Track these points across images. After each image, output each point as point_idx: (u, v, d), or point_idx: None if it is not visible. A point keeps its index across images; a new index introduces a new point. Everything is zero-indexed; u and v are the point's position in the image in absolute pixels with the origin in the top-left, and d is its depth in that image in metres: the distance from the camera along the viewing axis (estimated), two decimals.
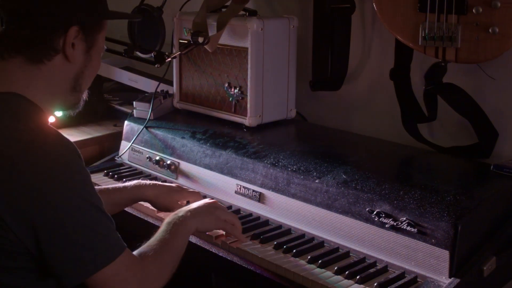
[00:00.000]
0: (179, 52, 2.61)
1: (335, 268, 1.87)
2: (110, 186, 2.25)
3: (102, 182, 2.55)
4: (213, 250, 2.05)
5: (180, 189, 2.29)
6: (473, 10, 2.06)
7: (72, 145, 1.65)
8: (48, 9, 1.69)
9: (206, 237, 2.10)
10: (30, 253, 1.61)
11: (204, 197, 2.36)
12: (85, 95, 1.90)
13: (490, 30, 2.05)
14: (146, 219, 2.28)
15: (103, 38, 1.83)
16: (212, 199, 2.27)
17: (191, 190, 2.33)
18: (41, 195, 1.55)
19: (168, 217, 1.97)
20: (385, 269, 1.88)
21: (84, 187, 1.64)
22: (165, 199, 2.23)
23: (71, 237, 1.60)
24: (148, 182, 2.27)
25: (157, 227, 2.01)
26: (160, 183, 2.31)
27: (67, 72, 1.76)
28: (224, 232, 2.09)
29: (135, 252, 1.78)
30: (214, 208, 2.06)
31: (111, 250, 1.66)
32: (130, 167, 2.73)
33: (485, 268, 1.84)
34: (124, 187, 2.23)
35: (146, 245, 1.84)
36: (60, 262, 1.61)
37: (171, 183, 2.50)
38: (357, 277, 1.82)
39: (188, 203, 2.26)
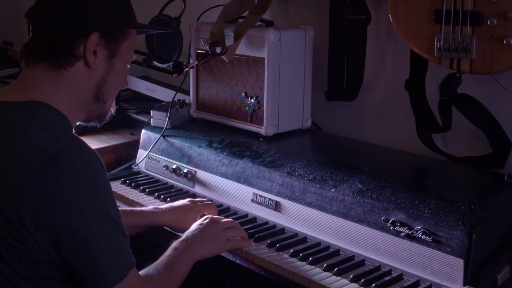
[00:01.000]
0: (197, 62, 2.63)
1: (351, 276, 1.89)
2: (127, 208, 2.25)
3: (119, 190, 2.57)
4: (229, 257, 2.07)
5: (194, 206, 2.27)
6: (488, 22, 2.08)
7: (96, 156, 1.68)
8: (69, 15, 1.73)
9: None
10: (54, 262, 1.63)
11: (220, 205, 2.39)
12: (113, 109, 1.92)
13: (504, 42, 2.07)
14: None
15: (128, 48, 1.85)
16: (228, 208, 2.29)
17: (205, 202, 2.33)
18: (65, 206, 1.58)
19: (175, 242, 1.99)
20: (400, 277, 1.90)
21: (106, 199, 1.67)
22: (183, 221, 2.21)
23: (92, 249, 1.62)
24: (163, 207, 2.26)
25: (177, 236, 2.04)
26: (174, 204, 2.29)
27: (89, 80, 1.79)
28: None
29: (141, 272, 1.80)
30: (220, 231, 2.07)
31: (122, 267, 1.69)
32: (147, 175, 2.75)
33: (499, 276, 1.86)
34: (142, 212, 2.22)
35: (152, 267, 1.87)
36: (82, 272, 1.64)
37: (188, 192, 2.53)
38: (373, 285, 1.83)
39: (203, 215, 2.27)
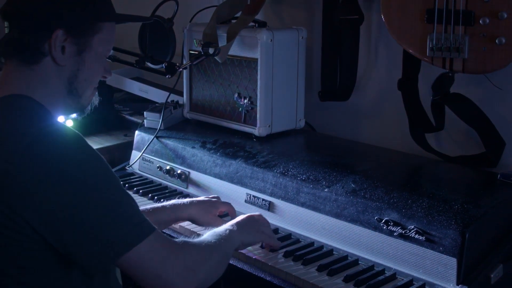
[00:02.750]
0: (190, 63, 2.63)
1: (344, 275, 1.89)
2: (148, 206, 2.19)
3: None
4: None
5: (214, 202, 2.26)
6: (480, 21, 2.08)
7: (79, 135, 1.64)
8: (32, 12, 1.71)
9: None
10: (51, 247, 1.60)
11: None
12: (96, 100, 1.90)
13: (497, 41, 2.07)
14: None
15: (101, 41, 1.81)
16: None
17: (223, 201, 2.32)
18: (55, 186, 1.55)
19: (214, 229, 1.94)
20: (393, 277, 1.90)
21: (98, 169, 1.62)
22: (205, 215, 2.20)
23: (92, 221, 1.58)
24: (184, 201, 2.22)
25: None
26: (195, 199, 2.26)
27: (59, 75, 1.77)
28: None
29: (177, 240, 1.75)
30: (256, 221, 2.06)
31: (137, 229, 1.62)
32: (141, 176, 2.75)
33: (492, 275, 1.86)
34: (163, 207, 2.17)
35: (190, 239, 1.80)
36: (83, 249, 1.60)
37: (181, 193, 2.54)
38: (366, 284, 1.84)
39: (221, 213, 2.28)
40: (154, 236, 1.64)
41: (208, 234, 1.87)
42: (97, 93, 1.91)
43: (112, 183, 1.65)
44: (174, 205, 2.19)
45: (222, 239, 1.87)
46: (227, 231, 1.93)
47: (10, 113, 1.66)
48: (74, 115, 1.93)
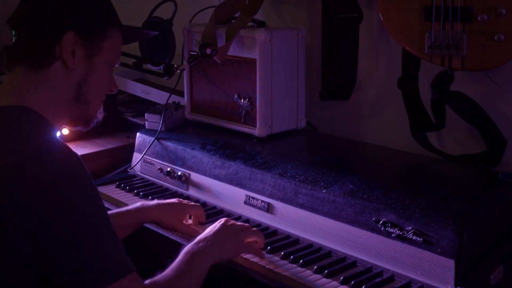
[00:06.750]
0: (187, 64, 2.62)
1: (342, 277, 1.87)
2: (113, 210, 2.21)
3: (113, 193, 2.56)
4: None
5: (181, 205, 2.27)
6: (478, 18, 2.06)
7: (77, 158, 1.63)
8: (43, 15, 1.72)
9: None
10: (34, 267, 1.60)
11: (214, 207, 2.38)
12: (100, 115, 1.89)
13: (495, 38, 2.05)
14: (165, 234, 2.23)
15: (110, 48, 1.82)
16: (221, 210, 2.26)
17: (191, 204, 2.31)
18: (45, 208, 1.54)
19: (186, 246, 1.94)
20: (391, 279, 1.88)
21: (89, 200, 1.62)
22: (170, 218, 2.22)
23: (74, 251, 1.57)
24: (150, 203, 2.26)
25: (178, 244, 2.00)
26: (162, 201, 2.28)
27: (69, 80, 1.76)
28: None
29: (147, 281, 1.74)
30: (235, 232, 2.03)
31: (116, 268, 1.62)
32: (142, 178, 2.74)
33: (492, 277, 1.84)
34: (127, 211, 2.20)
35: (161, 275, 1.81)
36: (64, 276, 1.59)
37: (181, 194, 2.53)
38: (363, 286, 1.81)
39: (190, 217, 2.27)
40: (128, 280, 1.63)
41: (182, 258, 1.88)
42: (102, 108, 1.90)
43: (100, 218, 1.64)
44: (138, 209, 2.22)
45: (195, 262, 1.88)
46: (201, 249, 1.92)
47: (8, 127, 1.64)
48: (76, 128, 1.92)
